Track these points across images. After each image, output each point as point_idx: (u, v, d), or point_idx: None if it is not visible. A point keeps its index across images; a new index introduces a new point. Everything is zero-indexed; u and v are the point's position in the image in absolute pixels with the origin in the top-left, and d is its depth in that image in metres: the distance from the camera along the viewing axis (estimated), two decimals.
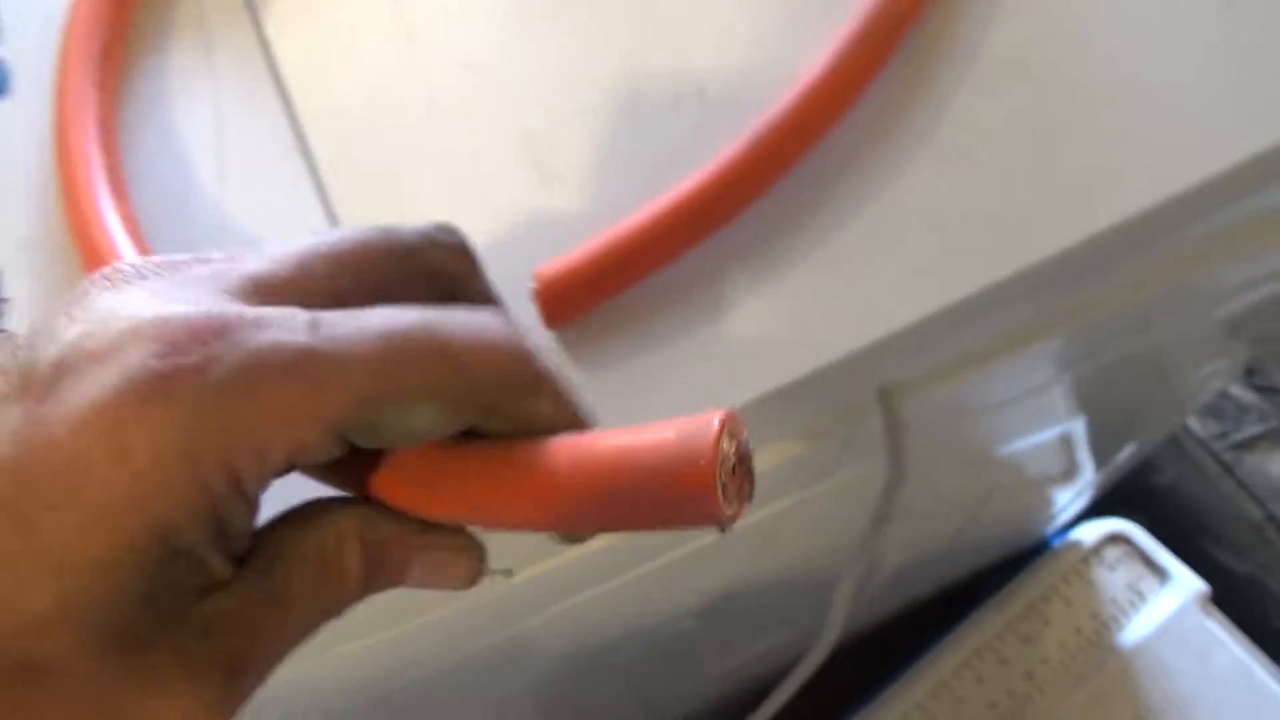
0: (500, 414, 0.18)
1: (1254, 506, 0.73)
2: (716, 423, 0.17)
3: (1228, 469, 0.74)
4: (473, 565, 0.20)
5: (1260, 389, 0.77)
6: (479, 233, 0.28)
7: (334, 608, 0.19)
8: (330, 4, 0.33)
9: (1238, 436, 0.74)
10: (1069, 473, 0.66)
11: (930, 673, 0.71)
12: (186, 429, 0.15)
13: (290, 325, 0.16)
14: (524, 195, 0.29)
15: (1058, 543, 0.76)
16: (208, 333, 0.15)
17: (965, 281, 0.27)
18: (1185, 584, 0.71)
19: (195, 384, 0.15)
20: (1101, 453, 0.64)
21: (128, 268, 0.17)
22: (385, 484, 0.19)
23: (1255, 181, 0.28)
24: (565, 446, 0.18)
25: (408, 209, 0.30)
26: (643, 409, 0.27)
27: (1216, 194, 0.27)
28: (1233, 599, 0.74)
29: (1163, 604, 0.71)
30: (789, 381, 0.27)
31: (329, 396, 0.16)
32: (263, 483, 0.17)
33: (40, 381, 0.15)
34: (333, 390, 0.16)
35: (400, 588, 0.20)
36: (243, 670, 0.17)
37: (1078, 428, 0.55)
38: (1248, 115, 0.27)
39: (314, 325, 0.16)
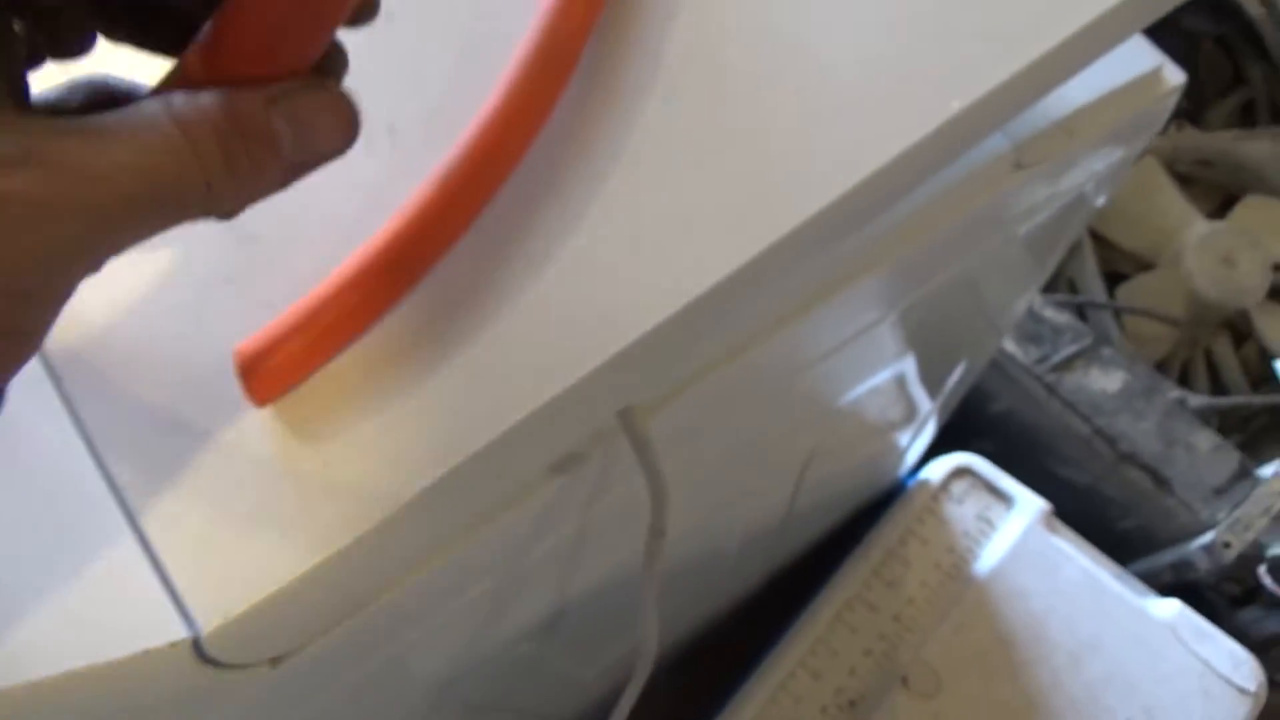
0: None
1: (1080, 422, 0.77)
2: None
3: (1052, 390, 0.77)
4: (342, 110, 0.20)
5: (1067, 307, 0.81)
6: (175, 308, 0.27)
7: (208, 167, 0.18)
8: None
9: (1056, 358, 0.78)
10: (906, 412, 0.69)
11: (807, 631, 0.73)
12: None
13: None
14: (219, 261, 0.28)
15: (910, 484, 0.78)
16: None
17: (675, 296, 0.26)
18: (1028, 505, 0.74)
19: None
20: (932, 384, 0.66)
21: None
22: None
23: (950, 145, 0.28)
24: None
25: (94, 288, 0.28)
26: (376, 473, 0.26)
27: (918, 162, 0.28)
28: (1077, 509, 0.78)
29: (1010, 528, 0.74)
30: (515, 422, 0.26)
31: None
32: None
33: None
34: None
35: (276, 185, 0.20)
36: (53, 173, 0.16)
37: (907, 367, 0.56)
38: (935, 81, 0.28)
39: None
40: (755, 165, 0.28)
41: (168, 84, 0.19)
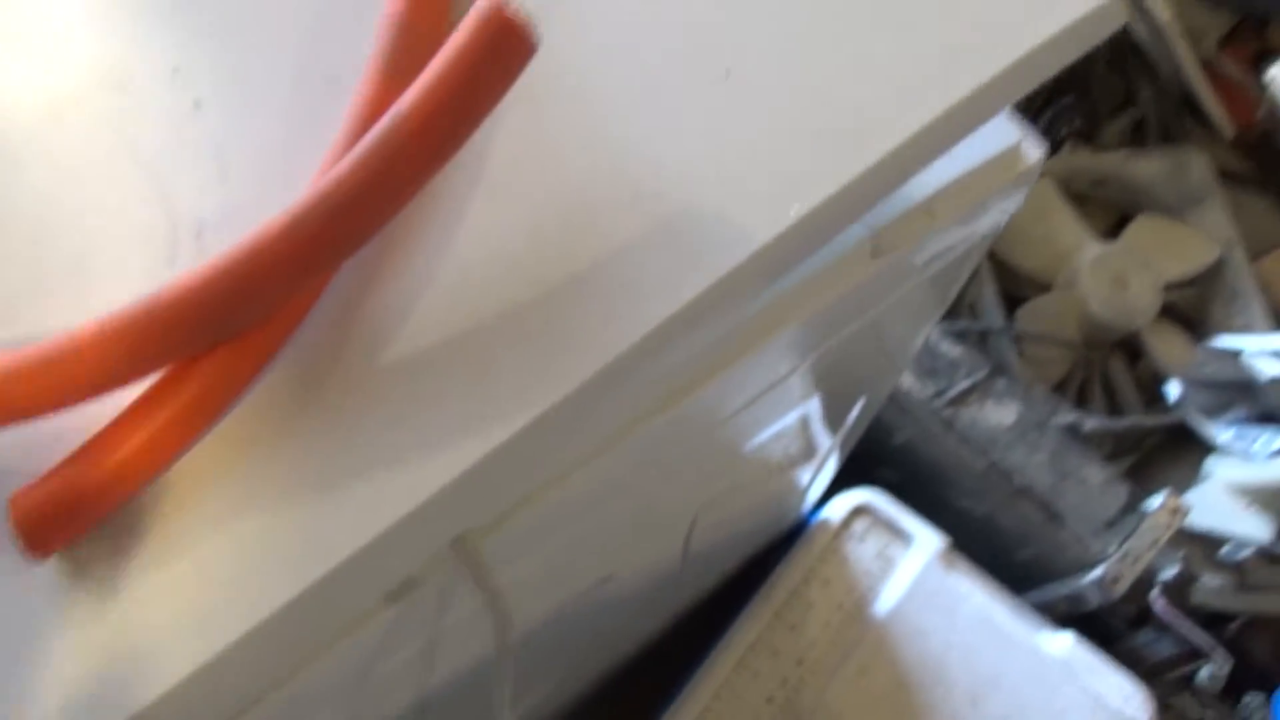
0: None
1: (976, 456, 0.77)
2: None
3: (948, 424, 0.77)
4: None
5: (962, 339, 0.81)
6: None
7: None
8: None
9: (951, 393, 0.78)
10: (806, 452, 0.68)
11: (711, 677, 0.72)
12: None
13: None
14: None
15: (812, 523, 0.78)
16: None
17: (503, 425, 0.25)
18: (926, 543, 0.74)
19: None
20: (832, 422, 0.65)
21: None
22: None
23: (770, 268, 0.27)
24: None
25: None
26: (166, 624, 0.24)
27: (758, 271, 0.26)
28: (977, 540, 0.79)
29: (909, 566, 0.74)
30: (336, 564, 0.24)
31: None
32: None
33: None
34: None
35: None
36: None
37: (805, 410, 0.55)
38: (765, 194, 0.26)
39: None
40: (591, 281, 0.26)
41: None
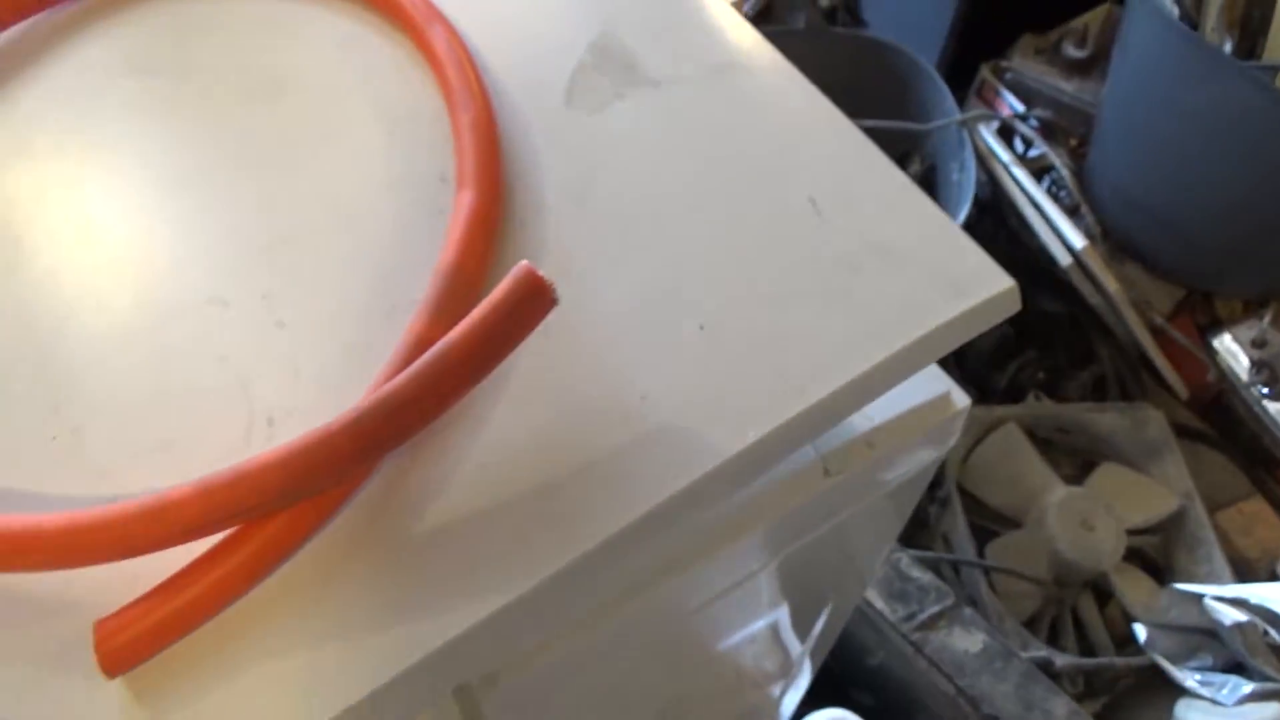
0: None
1: (944, 681, 0.80)
2: None
3: (918, 648, 0.81)
4: None
5: (934, 565, 0.86)
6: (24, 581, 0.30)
7: None
8: None
9: (921, 616, 0.82)
10: (772, 661, 0.71)
11: None
12: None
13: None
14: None
15: None
16: None
17: (485, 602, 0.30)
18: None
19: None
20: (799, 630, 0.68)
21: None
22: None
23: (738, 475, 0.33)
24: None
25: None
26: None
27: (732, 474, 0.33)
28: None
29: None
30: (356, 700, 0.29)
31: None
32: None
33: None
34: None
35: None
36: None
37: (770, 618, 0.59)
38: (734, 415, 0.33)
39: None
40: (588, 476, 0.32)
41: None
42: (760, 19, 1.40)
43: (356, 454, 0.29)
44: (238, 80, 0.41)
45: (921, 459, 0.45)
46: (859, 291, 0.36)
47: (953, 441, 0.45)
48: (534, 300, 0.30)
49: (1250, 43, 1.02)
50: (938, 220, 0.38)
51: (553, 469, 0.32)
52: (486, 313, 0.30)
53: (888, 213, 0.38)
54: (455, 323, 0.33)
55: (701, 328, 0.35)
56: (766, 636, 0.61)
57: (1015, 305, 0.37)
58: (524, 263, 0.30)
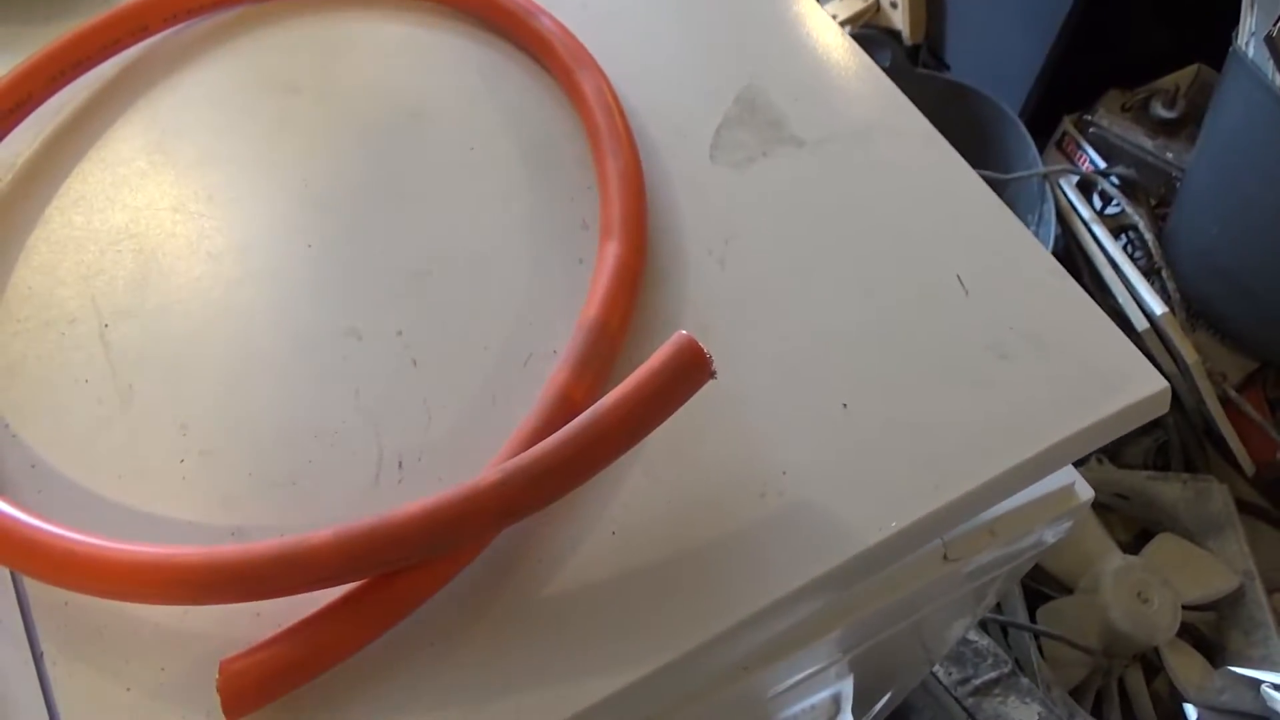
0: None
1: None
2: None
3: (971, 714, 0.79)
4: None
5: (990, 628, 0.84)
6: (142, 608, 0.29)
7: None
8: None
9: (977, 681, 0.80)
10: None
11: None
12: None
13: None
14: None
15: None
16: None
17: (629, 669, 0.29)
18: None
19: None
20: (861, 707, 0.67)
21: None
22: None
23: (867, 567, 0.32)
24: None
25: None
26: None
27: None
28: None
29: None
30: None
31: None
32: None
33: None
34: None
35: None
36: None
37: (846, 687, 0.58)
38: (874, 500, 0.32)
39: None
40: (710, 555, 0.31)
41: None
42: None
43: (502, 515, 0.28)
44: (379, 103, 0.41)
45: (1034, 548, 0.43)
46: (1007, 381, 0.35)
47: (1065, 532, 0.43)
48: (692, 371, 0.29)
49: None
50: (1088, 310, 0.37)
51: (686, 540, 0.31)
52: (644, 380, 0.29)
53: (1037, 297, 0.37)
54: (597, 379, 0.33)
55: (845, 406, 0.34)
56: (826, 707, 0.60)
57: (1164, 406, 0.36)
58: (684, 333, 0.29)
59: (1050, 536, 0.43)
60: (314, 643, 0.29)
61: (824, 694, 0.57)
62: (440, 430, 0.33)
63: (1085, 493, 0.41)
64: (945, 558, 0.38)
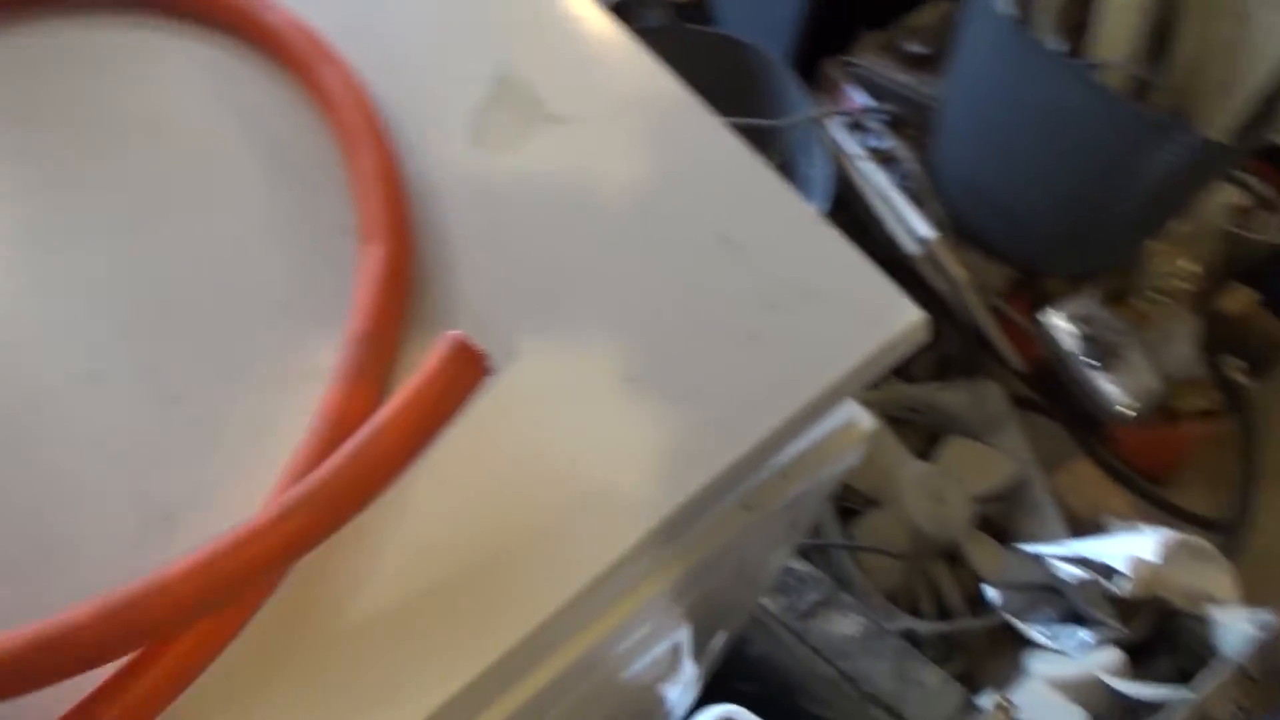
0: None
1: (825, 665, 0.83)
2: None
3: (800, 637, 0.83)
4: None
5: (809, 553, 0.89)
6: None
7: None
8: None
9: (802, 606, 0.84)
10: (672, 674, 0.72)
11: None
12: None
13: None
14: None
15: None
16: None
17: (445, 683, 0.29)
18: None
19: None
20: (698, 651, 0.69)
21: None
22: None
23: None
24: None
25: None
26: None
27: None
28: None
29: None
30: None
31: None
32: None
33: None
34: None
35: None
36: None
37: (683, 635, 0.60)
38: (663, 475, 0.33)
39: None
40: (509, 557, 0.31)
41: None
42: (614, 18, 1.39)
43: (287, 552, 0.27)
44: (103, 120, 0.37)
45: (829, 480, 0.46)
46: (781, 331, 0.36)
47: (856, 460, 0.46)
48: (468, 371, 0.28)
49: (1080, 41, 1.09)
50: (849, 254, 0.38)
51: (483, 546, 0.31)
52: (420, 388, 0.28)
53: (800, 247, 0.38)
54: (372, 393, 0.32)
55: (628, 381, 0.34)
56: (668, 658, 0.62)
57: (926, 336, 0.38)
58: (455, 333, 0.28)
59: (843, 468, 0.46)
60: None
61: (663, 647, 0.59)
62: (210, 472, 0.31)
63: (867, 423, 0.43)
64: (745, 508, 0.40)
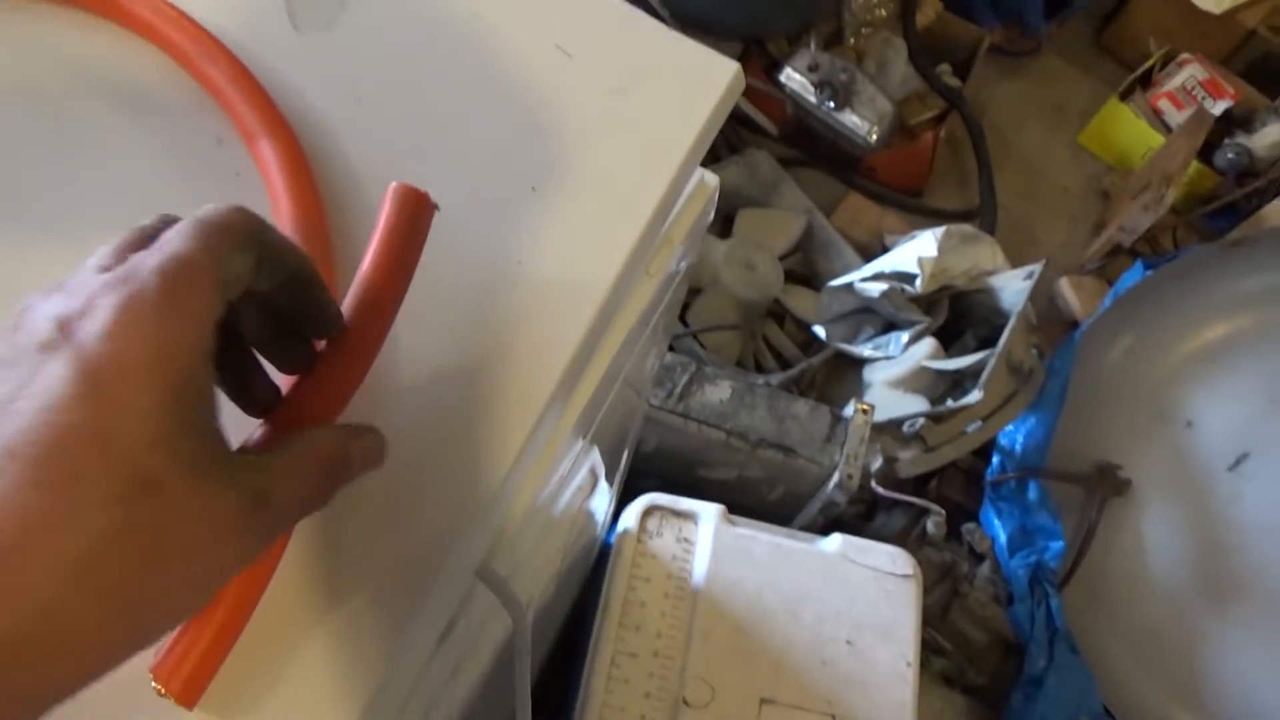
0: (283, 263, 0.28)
1: (713, 430, 0.93)
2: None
3: (685, 415, 0.92)
4: (383, 442, 0.30)
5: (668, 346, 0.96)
6: None
7: (323, 484, 0.27)
8: None
9: (677, 390, 0.93)
10: (595, 487, 0.79)
11: (591, 700, 0.80)
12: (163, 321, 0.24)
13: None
14: None
15: (612, 539, 0.89)
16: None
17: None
18: (708, 513, 0.88)
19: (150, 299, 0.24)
20: (610, 463, 0.77)
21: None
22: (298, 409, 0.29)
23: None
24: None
25: None
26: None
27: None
28: (736, 500, 0.94)
29: (704, 537, 0.87)
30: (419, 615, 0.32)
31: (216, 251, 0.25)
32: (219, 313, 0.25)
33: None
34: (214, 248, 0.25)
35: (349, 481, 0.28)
36: (265, 504, 0.25)
37: (595, 457, 0.66)
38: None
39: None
40: (497, 358, 0.36)
41: (273, 428, 0.29)
42: None
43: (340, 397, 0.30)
44: None
45: (695, 243, 0.52)
46: (634, 110, 0.41)
47: (710, 218, 0.52)
48: (420, 213, 0.32)
49: None
50: (663, 32, 0.43)
51: (475, 353, 0.35)
52: (386, 237, 0.31)
53: (622, 37, 0.43)
54: (327, 272, 0.34)
55: (534, 189, 0.38)
56: (587, 480, 0.68)
57: (743, 82, 0.44)
58: (396, 184, 0.32)
59: (705, 223, 0.52)
60: (220, 613, 0.30)
61: (583, 473, 0.65)
62: None
63: (711, 179, 0.50)
64: (647, 274, 0.45)
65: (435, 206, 0.32)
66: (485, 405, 0.35)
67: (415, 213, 0.32)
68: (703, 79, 0.42)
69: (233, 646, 0.30)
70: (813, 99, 1.37)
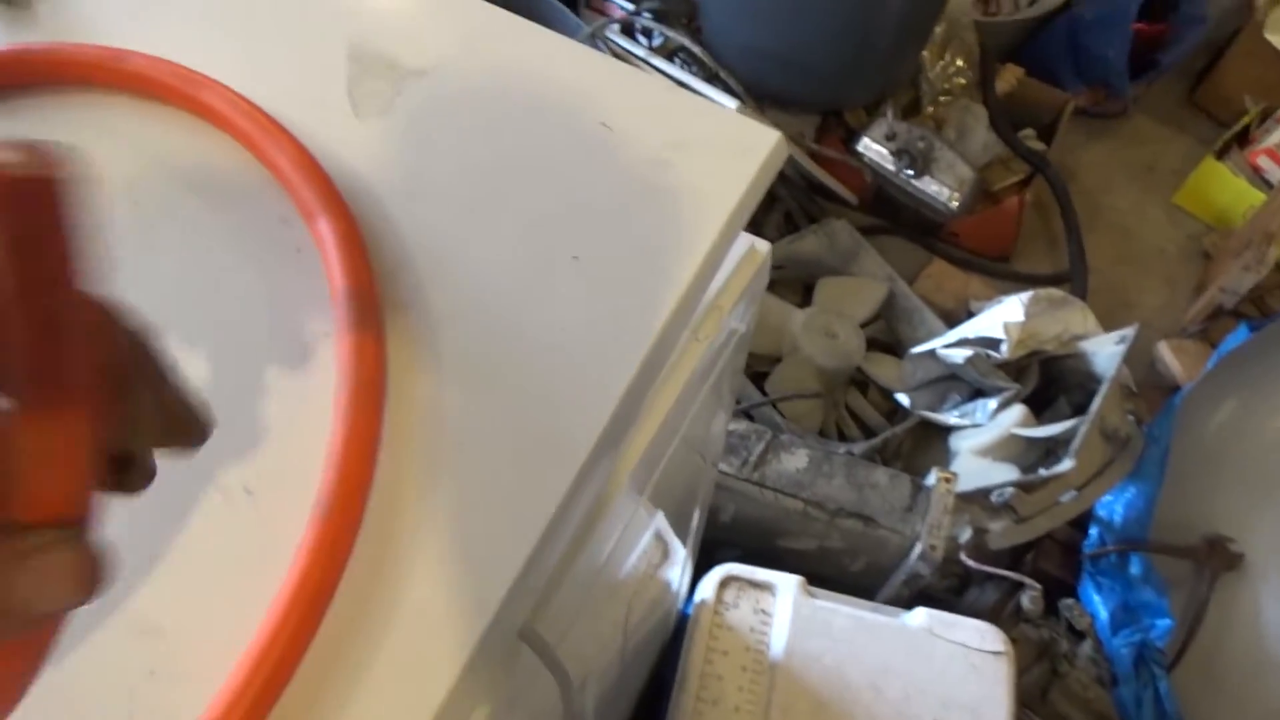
0: None
1: (790, 500, 0.92)
2: None
3: (760, 485, 0.91)
4: (84, 567, 0.19)
5: (739, 415, 0.96)
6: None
7: None
8: None
9: (752, 459, 0.92)
10: (667, 555, 0.78)
11: None
12: None
13: None
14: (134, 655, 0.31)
15: (690, 611, 0.88)
16: None
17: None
18: (786, 584, 0.87)
19: None
20: (680, 529, 0.76)
21: None
22: None
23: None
24: None
25: None
26: None
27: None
28: (817, 571, 0.92)
29: (782, 609, 0.85)
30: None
31: None
32: None
33: None
34: None
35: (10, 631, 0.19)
36: None
37: (660, 521, 0.66)
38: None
39: None
40: (539, 417, 0.36)
41: None
42: None
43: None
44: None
45: (748, 309, 0.53)
46: (676, 181, 0.42)
47: (764, 285, 0.53)
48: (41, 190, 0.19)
49: None
50: (704, 106, 0.45)
51: (511, 409, 0.36)
52: None
53: (663, 111, 0.44)
54: (378, 336, 0.36)
55: (576, 258, 0.40)
56: (657, 545, 0.68)
57: (785, 152, 0.45)
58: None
59: (754, 296, 0.53)
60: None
61: (646, 537, 0.65)
62: (273, 444, 0.35)
63: (762, 246, 0.50)
64: (695, 339, 0.46)
65: (58, 177, 0.19)
66: (527, 461, 0.36)
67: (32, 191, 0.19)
68: (744, 148, 0.44)
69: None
70: (891, 167, 1.37)
